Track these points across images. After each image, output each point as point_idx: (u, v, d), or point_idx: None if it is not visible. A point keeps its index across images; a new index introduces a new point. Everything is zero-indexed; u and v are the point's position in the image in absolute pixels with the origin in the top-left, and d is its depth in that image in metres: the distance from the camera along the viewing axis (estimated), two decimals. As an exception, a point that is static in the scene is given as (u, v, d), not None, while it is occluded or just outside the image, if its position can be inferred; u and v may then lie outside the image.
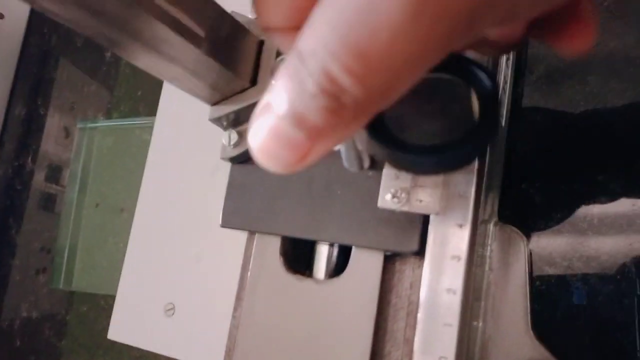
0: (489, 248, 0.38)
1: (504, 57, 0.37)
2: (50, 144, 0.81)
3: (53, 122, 0.81)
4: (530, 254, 0.39)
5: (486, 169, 0.33)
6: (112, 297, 0.48)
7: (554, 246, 0.42)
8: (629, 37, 0.41)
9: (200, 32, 0.28)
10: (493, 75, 0.22)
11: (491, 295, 0.37)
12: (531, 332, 0.33)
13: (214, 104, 0.35)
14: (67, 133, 0.84)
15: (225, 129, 0.36)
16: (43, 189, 0.78)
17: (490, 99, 0.22)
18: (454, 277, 0.29)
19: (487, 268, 0.37)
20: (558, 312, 0.42)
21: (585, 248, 0.41)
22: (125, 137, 0.60)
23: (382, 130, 0.23)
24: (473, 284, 0.32)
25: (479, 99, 0.23)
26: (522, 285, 0.38)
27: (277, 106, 0.17)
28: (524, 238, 0.39)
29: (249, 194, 0.36)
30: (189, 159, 0.48)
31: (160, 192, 0.48)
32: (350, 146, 0.30)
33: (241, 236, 0.40)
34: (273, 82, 0.17)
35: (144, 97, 0.64)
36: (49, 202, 0.80)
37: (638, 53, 0.40)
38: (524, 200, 0.42)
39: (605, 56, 0.41)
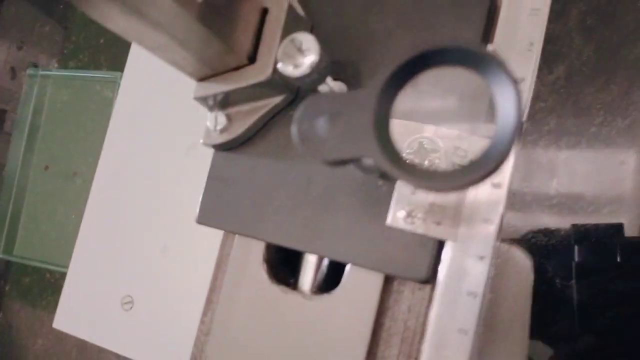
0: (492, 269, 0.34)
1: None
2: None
3: (-3, 60, 0.72)
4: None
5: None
6: (60, 273, 0.42)
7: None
8: (659, 46, 0.38)
9: (197, -5, 0.22)
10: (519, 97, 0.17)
11: (488, 320, 0.34)
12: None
13: (201, 79, 0.29)
14: (14, 74, 0.74)
15: (211, 109, 0.30)
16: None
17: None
18: (467, 317, 0.25)
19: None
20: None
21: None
22: (83, 92, 0.53)
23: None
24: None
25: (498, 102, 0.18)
26: (524, 311, 0.35)
27: None
28: (530, 259, 0.36)
29: (233, 189, 0.31)
30: (160, 130, 0.42)
31: (123, 166, 0.42)
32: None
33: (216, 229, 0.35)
34: None
35: (106, 47, 0.56)
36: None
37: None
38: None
39: (632, 62, 0.38)
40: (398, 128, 0.28)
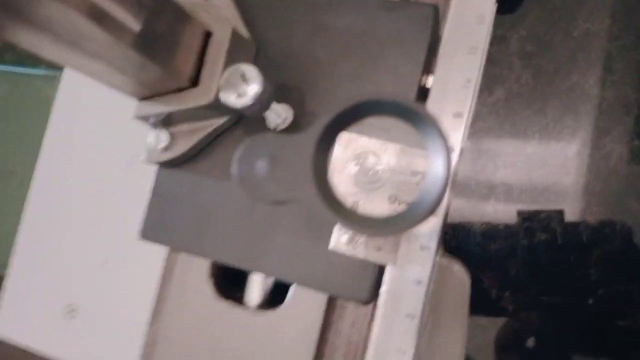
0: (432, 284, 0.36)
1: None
2: None
3: None
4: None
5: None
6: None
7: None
8: (591, 74, 0.40)
9: (134, 26, 0.22)
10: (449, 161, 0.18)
11: (426, 333, 0.36)
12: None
13: (142, 99, 0.28)
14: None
15: (153, 127, 0.30)
16: None
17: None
18: (406, 337, 0.27)
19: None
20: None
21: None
22: (22, 88, 0.50)
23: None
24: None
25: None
26: (462, 323, 0.37)
27: None
28: (468, 274, 0.38)
29: (177, 206, 0.31)
30: (102, 133, 0.41)
31: (63, 170, 0.41)
32: None
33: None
34: None
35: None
36: None
37: (597, 92, 0.39)
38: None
39: (565, 90, 0.40)
40: (344, 141, 0.29)
